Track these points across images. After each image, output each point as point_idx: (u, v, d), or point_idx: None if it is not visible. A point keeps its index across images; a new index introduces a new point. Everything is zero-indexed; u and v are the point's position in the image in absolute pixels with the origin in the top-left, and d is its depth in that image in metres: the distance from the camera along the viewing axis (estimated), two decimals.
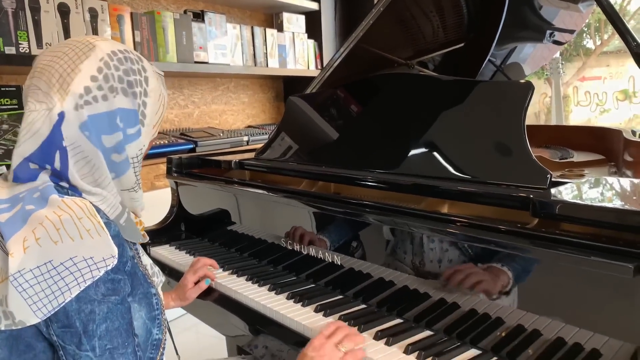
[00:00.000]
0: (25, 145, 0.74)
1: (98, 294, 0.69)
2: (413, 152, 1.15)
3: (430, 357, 0.86)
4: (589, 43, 5.16)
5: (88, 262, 0.67)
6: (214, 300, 1.26)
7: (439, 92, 1.21)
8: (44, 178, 0.74)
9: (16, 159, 0.74)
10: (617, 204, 0.85)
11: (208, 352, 2.34)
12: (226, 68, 3.01)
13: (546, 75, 4.84)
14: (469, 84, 1.16)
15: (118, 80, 0.77)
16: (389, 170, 1.15)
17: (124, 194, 0.83)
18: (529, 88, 1.02)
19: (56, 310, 0.66)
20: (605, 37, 5.08)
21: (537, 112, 5.26)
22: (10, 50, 2.04)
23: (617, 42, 4.97)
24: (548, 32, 2.02)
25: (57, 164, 0.74)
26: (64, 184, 0.76)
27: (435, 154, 1.11)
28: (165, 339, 0.88)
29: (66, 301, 0.66)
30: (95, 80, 0.75)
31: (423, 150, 1.14)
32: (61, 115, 0.73)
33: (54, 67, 0.75)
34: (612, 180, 1.01)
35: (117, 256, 0.70)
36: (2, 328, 0.69)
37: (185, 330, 2.51)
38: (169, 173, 1.72)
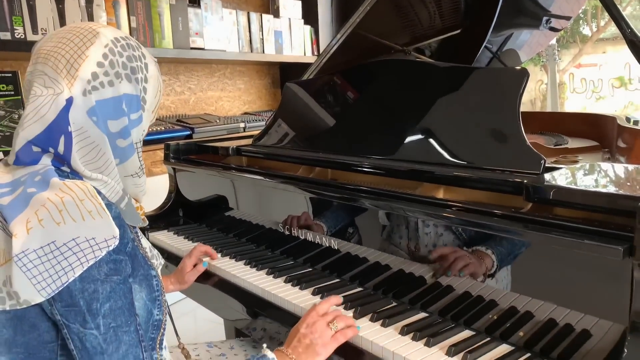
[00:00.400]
0: (30, 128, 0.74)
1: (101, 274, 0.70)
2: (409, 138, 1.16)
3: (425, 338, 0.88)
4: (585, 29, 5.16)
5: (90, 243, 0.68)
6: (213, 284, 1.28)
7: (435, 79, 1.22)
8: (45, 162, 0.75)
9: (20, 142, 0.75)
10: (608, 188, 0.87)
11: (206, 336, 2.37)
12: (222, 54, 3.00)
13: (542, 61, 4.85)
14: (465, 70, 1.17)
15: (122, 66, 0.79)
16: (385, 156, 1.17)
17: (128, 180, 0.84)
18: (524, 75, 1.03)
19: (60, 289, 0.67)
20: (602, 23, 5.08)
21: (532, 99, 5.28)
22: (5, 35, 2.03)
23: (613, 28, 4.96)
24: (544, 18, 2.02)
25: (61, 148, 0.75)
26: (65, 168, 0.76)
27: (431, 140, 1.13)
28: (166, 320, 0.89)
29: (69, 280, 0.67)
30: (101, 66, 0.77)
31: (419, 136, 1.15)
32: (69, 101, 0.74)
33: (60, 52, 0.76)
34: (604, 166, 1.03)
35: (118, 237, 0.71)
36: (7, 308, 0.70)
37: (184, 315, 2.53)
38: (166, 159, 1.73)
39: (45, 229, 0.67)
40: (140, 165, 0.85)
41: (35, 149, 0.75)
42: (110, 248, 0.70)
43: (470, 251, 0.93)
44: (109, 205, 0.76)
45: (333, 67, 1.75)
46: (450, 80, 1.17)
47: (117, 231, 0.71)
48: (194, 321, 2.53)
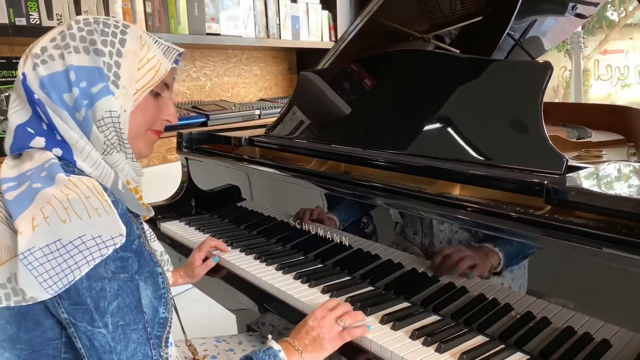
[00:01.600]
0: (18, 114, 0.77)
1: (108, 272, 0.70)
2: (426, 132, 1.12)
3: (436, 343, 0.85)
4: (613, 15, 4.99)
5: (97, 241, 0.67)
6: (222, 278, 1.27)
7: (454, 71, 1.17)
8: (39, 143, 0.75)
9: (11, 125, 0.77)
10: (635, 192, 0.83)
11: (219, 323, 2.38)
12: (238, 40, 2.96)
13: (566, 48, 4.71)
14: (486, 63, 1.12)
15: (79, 39, 0.77)
16: (400, 151, 1.13)
17: (107, 158, 0.80)
18: (547, 69, 0.98)
19: (67, 287, 0.67)
20: (630, 8, 4.91)
21: (555, 86, 5.14)
22: (20, 21, 2.02)
23: None
24: (570, 4, 1.94)
25: (44, 118, 0.76)
26: (62, 154, 0.76)
27: (449, 135, 1.09)
28: (172, 318, 0.88)
29: (76, 279, 0.67)
30: (53, 41, 0.77)
31: (436, 131, 1.11)
32: (24, 76, 0.76)
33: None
34: (632, 165, 0.97)
35: (125, 235, 0.70)
36: (12, 305, 0.70)
37: (196, 302, 2.54)
38: (179, 148, 1.71)
39: (51, 227, 0.66)
40: (105, 142, 0.79)
41: (29, 129, 0.76)
42: (117, 246, 0.69)
43: (477, 246, 0.90)
44: (116, 202, 0.75)
45: (350, 56, 1.71)
46: (470, 73, 1.13)
47: (123, 229, 0.70)
48: (207, 309, 2.54)
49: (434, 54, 1.38)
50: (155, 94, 0.84)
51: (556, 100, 4.72)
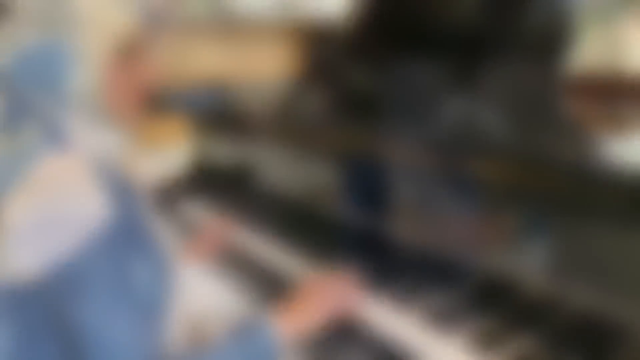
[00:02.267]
0: None
1: (95, 251, 0.68)
2: (446, 114, 1.06)
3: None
4: None
5: (83, 219, 0.67)
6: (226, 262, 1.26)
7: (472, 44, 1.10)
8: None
9: None
10: None
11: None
12: (255, 16, 2.95)
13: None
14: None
15: None
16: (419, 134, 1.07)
17: None
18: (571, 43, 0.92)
19: (52, 268, 0.66)
20: None
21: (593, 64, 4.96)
22: None
23: None
24: None
25: None
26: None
27: (472, 115, 1.02)
28: (171, 300, 0.86)
29: (63, 258, 0.66)
30: None
31: (457, 112, 1.05)
32: None
33: None
34: None
35: (114, 214, 0.69)
36: None
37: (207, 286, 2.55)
38: (188, 129, 1.71)
39: (36, 204, 0.66)
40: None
41: None
42: (105, 224, 0.68)
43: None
44: (104, 179, 0.73)
45: (371, 27, 1.64)
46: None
47: (112, 207, 0.69)
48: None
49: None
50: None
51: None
